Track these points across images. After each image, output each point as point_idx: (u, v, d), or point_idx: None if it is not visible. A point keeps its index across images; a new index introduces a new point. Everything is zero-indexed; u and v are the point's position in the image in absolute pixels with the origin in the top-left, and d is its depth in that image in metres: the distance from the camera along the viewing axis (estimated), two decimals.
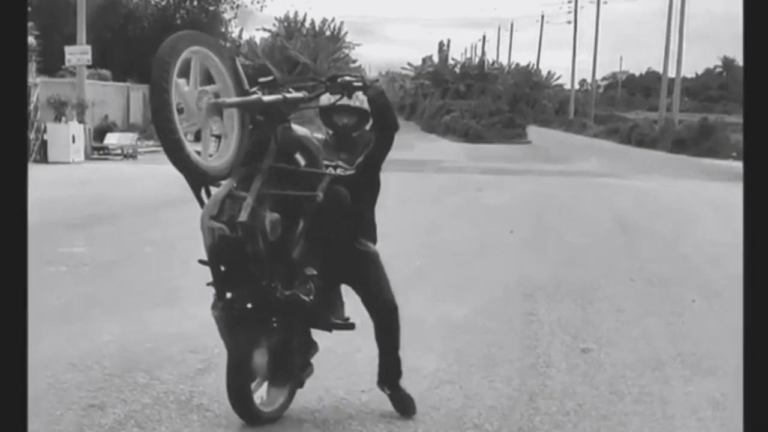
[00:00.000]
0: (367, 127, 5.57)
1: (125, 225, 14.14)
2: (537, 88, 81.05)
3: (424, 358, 6.93)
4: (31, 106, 26.06)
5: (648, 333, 8.11)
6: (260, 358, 5.27)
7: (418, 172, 25.88)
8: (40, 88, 26.75)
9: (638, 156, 39.27)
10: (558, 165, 31.30)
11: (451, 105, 63.18)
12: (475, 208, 17.94)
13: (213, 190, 4.93)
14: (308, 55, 56.83)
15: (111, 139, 30.59)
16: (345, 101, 5.42)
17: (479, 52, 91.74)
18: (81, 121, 28.35)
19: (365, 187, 5.49)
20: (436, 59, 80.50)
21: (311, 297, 5.09)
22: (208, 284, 5.02)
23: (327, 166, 5.38)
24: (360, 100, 5.43)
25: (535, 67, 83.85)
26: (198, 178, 4.69)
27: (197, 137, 4.86)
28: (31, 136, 25.95)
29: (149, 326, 7.71)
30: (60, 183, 20.73)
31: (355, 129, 5.55)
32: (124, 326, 7.76)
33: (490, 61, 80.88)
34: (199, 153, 4.64)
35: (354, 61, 66.57)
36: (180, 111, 4.45)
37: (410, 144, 40.31)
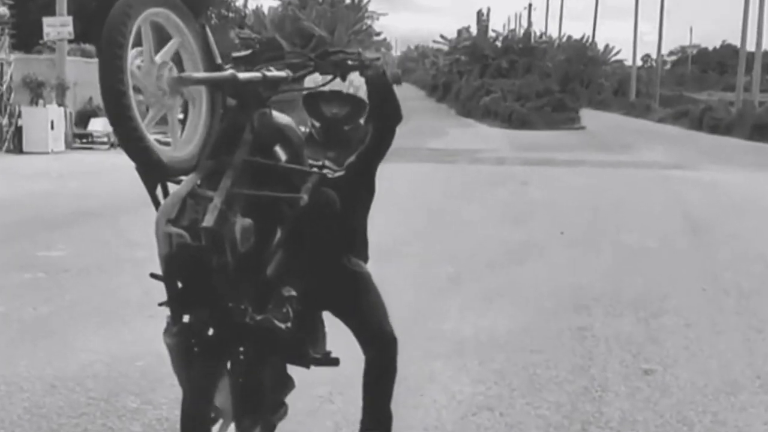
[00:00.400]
0: (362, 121, 5.26)
1: (112, 225, 14.23)
2: (592, 65, 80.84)
3: (459, 380, 6.95)
4: (4, 87, 26.27)
5: (722, 351, 8.08)
6: (223, 397, 4.89)
7: (451, 164, 25.89)
8: (13, 65, 26.96)
9: (711, 144, 39.13)
10: (617, 155, 31.22)
11: (492, 84, 63.17)
12: (518, 205, 17.93)
13: (172, 187, 4.58)
14: (324, 27, 56.94)
15: (96, 125, 30.64)
16: (337, 85, 5.06)
17: (524, 23, 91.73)
18: (61, 104, 28.58)
19: (357, 193, 5.18)
20: (474, 31, 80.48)
21: (288, 324, 4.76)
22: (161, 304, 4.64)
23: (311, 166, 5.02)
24: (354, 86, 5.13)
25: (590, 40, 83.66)
26: (158, 173, 4.40)
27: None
28: (4, 121, 26.17)
29: (140, 342, 7.75)
30: (37, 176, 20.90)
31: (347, 121, 5.21)
32: (111, 342, 7.81)
33: (538, 33, 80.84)
34: (161, 143, 4.33)
35: (378, 34, 66.67)
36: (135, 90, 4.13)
37: (443, 130, 40.35)
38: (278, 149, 4.81)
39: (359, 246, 5.34)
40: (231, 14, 52.20)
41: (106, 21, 3.97)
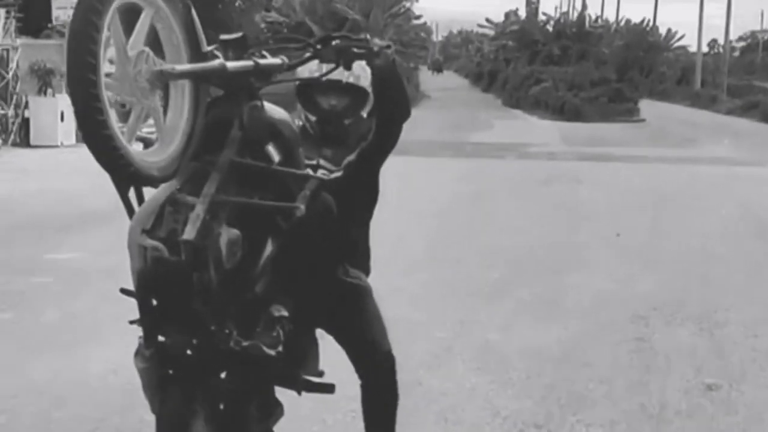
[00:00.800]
0: (364, 113, 5.03)
1: (124, 227, 14.31)
2: (653, 51, 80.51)
3: (503, 394, 6.99)
4: (9, 75, 26.47)
5: None
6: (201, 427, 4.54)
7: (497, 159, 25.90)
8: (20, 52, 27.14)
9: None
10: (680, 150, 31.09)
11: (542, 73, 62.99)
12: (571, 205, 17.93)
13: (148, 191, 4.28)
14: (359, 10, 57.05)
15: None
16: (338, 74, 4.76)
17: (578, 6, 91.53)
18: None
19: (357, 196, 4.93)
20: (522, 14, 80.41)
21: (279, 349, 4.43)
22: (132, 322, 4.45)
23: (305, 166, 4.74)
24: (355, 74, 4.86)
25: (650, 24, 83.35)
26: (131, 179, 4.04)
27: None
28: (9, 112, 26.39)
29: None
30: (46, 172, 21.08)
31: (346, 114, 4.96)
32: (125, 352, 7.88)
33: (593, 17, 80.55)
34: (140, 144, 4.14)
35: (418, 17, 66.76)
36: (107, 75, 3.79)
37: (488, 122, 40.32)
38: (271, 149, 4.49)
39: (359, 256, 5.09)
40: None
41: (76, 6, 3.65)
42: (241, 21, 47.37)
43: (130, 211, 4.28)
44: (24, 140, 26.73)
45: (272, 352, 4.37)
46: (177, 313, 4.29)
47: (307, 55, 4.59)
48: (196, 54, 4.18)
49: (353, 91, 4.93)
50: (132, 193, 4.20)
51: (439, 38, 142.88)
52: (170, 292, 4.21)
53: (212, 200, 4.11)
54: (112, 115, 3.72)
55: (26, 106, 27.01)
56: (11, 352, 7.95)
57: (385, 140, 4.89)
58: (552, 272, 11.61)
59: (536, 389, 7.28)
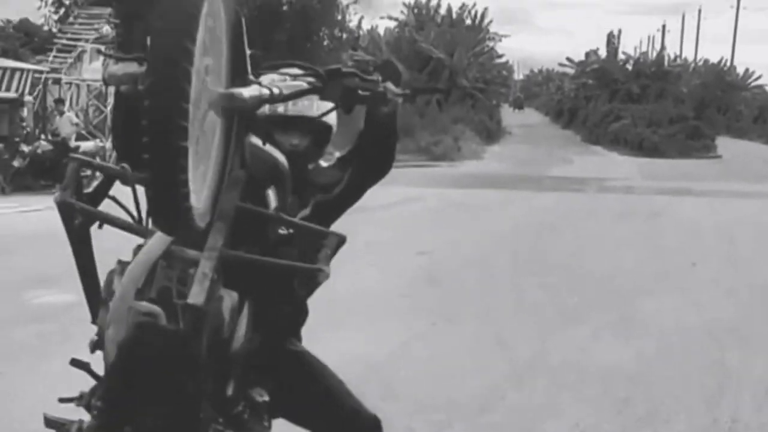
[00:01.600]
0: (323, 162, 4.13)
1: None
2: (730, 90, 79.85)
3: (578, 408, 7.17)
4: (108, 109, 27.02)
5: None
6: None
7: (576, 192, 25.93)
8: None
9: None
10: (757, 185, 30.86)
11: (621, 110, 62.79)
12: (648, 235, 18.01)
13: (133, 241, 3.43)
14: (443, 49, 57.45)
15: None
16: (300, 109, 3.89)
17: (657, 45, 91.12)
18: None
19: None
20: (602, 53, 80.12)
21: None
22: (63, 402, 3.55)
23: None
24: (319, 106, 3.86)
25: (728, 63, 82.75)
26: (188, 243, 3.28)
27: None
28: (107, 144, 26.98)
29: None
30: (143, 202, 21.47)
31: (309, 158, 4.03)
32: None
33: (672, 56, 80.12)
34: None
35: (500, 56, 67.10)
36: None
37: (568, 158, 40.29)
38: (270, 193, 3.74)
39: (300, 321, 4.14)
40: (344, 35, 52.84)
41: (168, 7, 2.78)
42: (329, 60, 47.89)
43: (83, 255, 3.52)
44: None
45: None
46: (156, 394, 3.34)
47: (306, 87, 3.53)
48: (240, 77, 3.35)
49: (317, 128, 3.95)
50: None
51: (521, 77, 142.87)
52: (159, 368, 3.29)
53: (221, 255, 3.27)
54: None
55: None
56: None
57: (351, 199, 4.04)
58: (630, 296, 11.72)
59: (610, 403, 7.41)
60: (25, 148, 24.22)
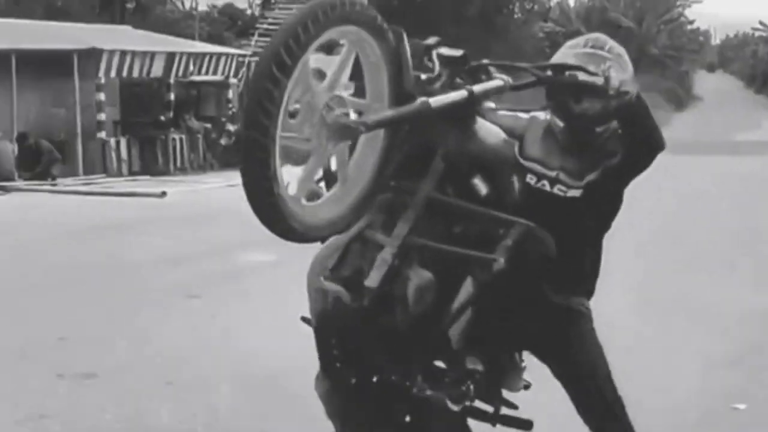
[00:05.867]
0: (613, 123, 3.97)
1: None
2: None
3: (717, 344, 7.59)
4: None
5: None
6: None
7: (759, 155, 25.81)
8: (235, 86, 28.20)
9: None
10: None
11: None
12: None
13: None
14: (633, 17, 56.82)
15: None
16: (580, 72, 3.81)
17: None
18: None
19: (593, 216, 4.03)
20: None
21: (467, 403, 3.89)
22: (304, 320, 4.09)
23: (538, 177, 3.96)
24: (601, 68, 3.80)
25: None
26: (287, 238, 3.44)
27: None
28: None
29: None
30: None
31: (597, 122, 3.93)
32: None
33: None
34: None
35: (691, 22, 65.80)
36: (292, 115, 3.30)
37: (755, 122, 39.04)
38: (478, 182, 3.84)
39: (581, 279, 4.13)
40: (535, 7, 53.09)
41: (286, 22, 3.23)
42: (520, 33, 48.08)
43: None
44: None
45: (456, 408, 3.86)
46: (357, 356, 3.90)
47: (532, 79, 3.76)
48: (400, 92, 3.56)
49: (604, 93, 3.77)
50: None
51: (717, 42, 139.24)
52: (350, 337, 3.83)
53: (403, 243, 3.63)
54: (283, 172, 3.26)
55: None
56: None
57: (635, 167, 4.00)
58: None
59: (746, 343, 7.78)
60: (231, 128, 25.46)
